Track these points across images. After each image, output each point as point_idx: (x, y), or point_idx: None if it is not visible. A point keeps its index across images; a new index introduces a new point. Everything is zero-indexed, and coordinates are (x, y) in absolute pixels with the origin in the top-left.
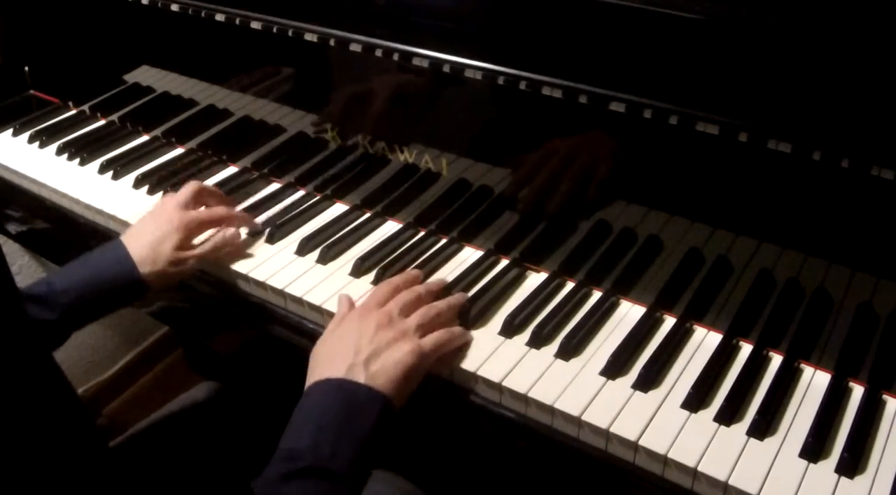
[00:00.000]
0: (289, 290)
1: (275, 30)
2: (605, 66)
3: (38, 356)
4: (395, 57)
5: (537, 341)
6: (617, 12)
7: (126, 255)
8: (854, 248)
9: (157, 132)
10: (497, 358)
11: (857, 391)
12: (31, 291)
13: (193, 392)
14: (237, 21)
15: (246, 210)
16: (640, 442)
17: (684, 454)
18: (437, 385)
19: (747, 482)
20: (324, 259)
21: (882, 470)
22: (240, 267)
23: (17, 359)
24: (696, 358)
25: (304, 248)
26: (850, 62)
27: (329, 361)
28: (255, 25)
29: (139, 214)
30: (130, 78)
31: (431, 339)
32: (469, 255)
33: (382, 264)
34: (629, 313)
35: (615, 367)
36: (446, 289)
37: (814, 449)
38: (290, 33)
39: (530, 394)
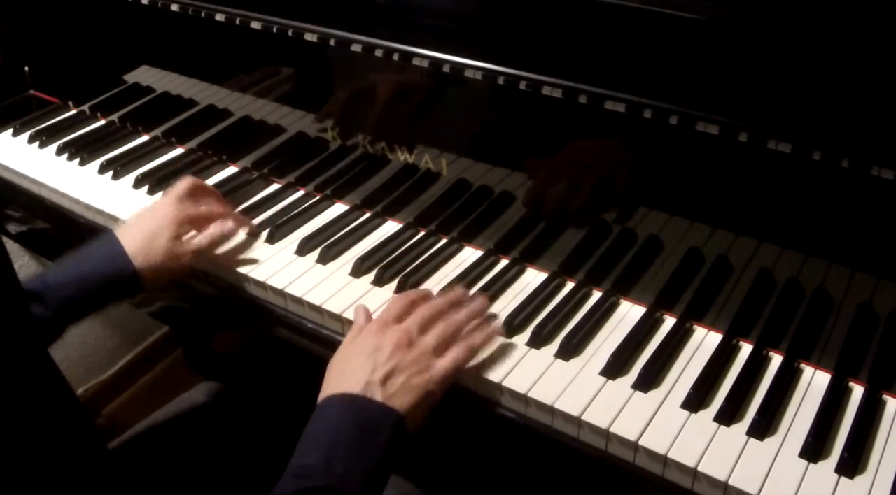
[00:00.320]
0: (289, 290)
1: (275, 30)
2: (606, 66)
3: (37, 355)
4: (395, 57)
5: (537, 341)
6: (617, 12)
7: (120, 250)
8: (854, 248)
9: (157, 132)
10: (497, 358)
11: (857, 391)
12: (26, 287)
13: (193, 392)
14: (237, 21)
15: (246, 210)
16: (640, 442)
17: (684, 454)
18: None
19: (747, 482)
20: (324, 259)
21: (882, 470)
22: (240, 267)
23: (18, 357)
24: (696, 358)
25: (304, 248)
26: (850, 62)
27: (345, 376)
28: (255, 25)
29: None
30: (130, 78)
31: (449, 360)
32: (469, 255)
33: (382, 264)
34: (629, 313)
35: (615, 367)
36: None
37: (814, 449)
38: (290, 33)
39: (530, 394)
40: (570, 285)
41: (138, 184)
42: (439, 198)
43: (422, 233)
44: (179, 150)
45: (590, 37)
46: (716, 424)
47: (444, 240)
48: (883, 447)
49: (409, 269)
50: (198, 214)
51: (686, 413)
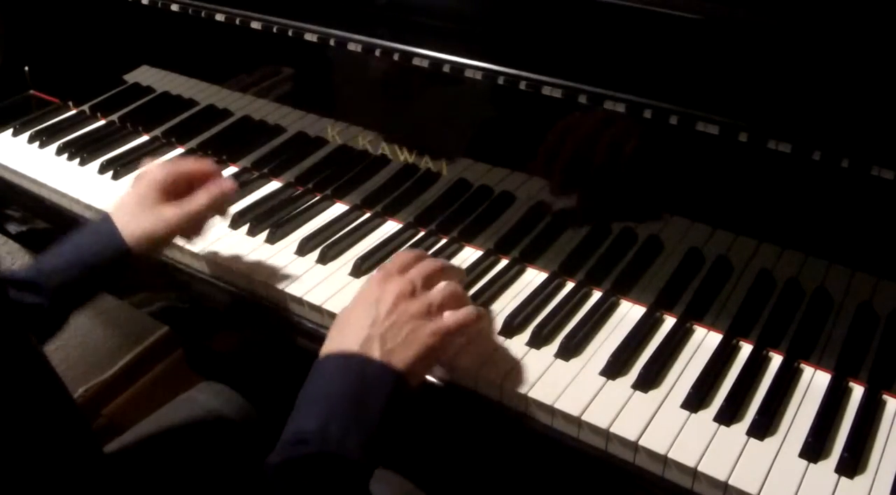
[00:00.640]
0: (289, 290)
1: (275, 30)
2: (605, 66)
3: (23, 345)
4: (396, 57)
5: (537, 341)
6: (617, 12)
7: (110, 226)
8: (854, 248)
9: (157, 132)
10: (497, 358)
11: (857, 391)
12: (20, 276)
13: (193, 392)
14: (237, 21)
15: (246, 209)
16: (640, 442)
17: (684, 454)
18: (437, 385)
19: (747, 482)
20: (324, 259)
21: (882, 470)
22: (239, 266)
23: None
24: (696, 358)
25: (304, 248)
26: (850, 62)
27: (345, 330)
28: (255, 25)
29: None
30: (130, 78)
31: (455, 318)
32: (469, 255)
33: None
34: (629, 313)
35: (615, 367)
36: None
37: (814, 449)
38: (290, 33)
39: (530, 394)
40: (570, 285)
41: None
42: (439, 198)
43: (422, 233)
44: (179, 150)
45: (590, 37)
46: (716, 424)
47: (444, 240)
48: (883, 447)
49: None
50: (185, 170)
51: (686, 413)
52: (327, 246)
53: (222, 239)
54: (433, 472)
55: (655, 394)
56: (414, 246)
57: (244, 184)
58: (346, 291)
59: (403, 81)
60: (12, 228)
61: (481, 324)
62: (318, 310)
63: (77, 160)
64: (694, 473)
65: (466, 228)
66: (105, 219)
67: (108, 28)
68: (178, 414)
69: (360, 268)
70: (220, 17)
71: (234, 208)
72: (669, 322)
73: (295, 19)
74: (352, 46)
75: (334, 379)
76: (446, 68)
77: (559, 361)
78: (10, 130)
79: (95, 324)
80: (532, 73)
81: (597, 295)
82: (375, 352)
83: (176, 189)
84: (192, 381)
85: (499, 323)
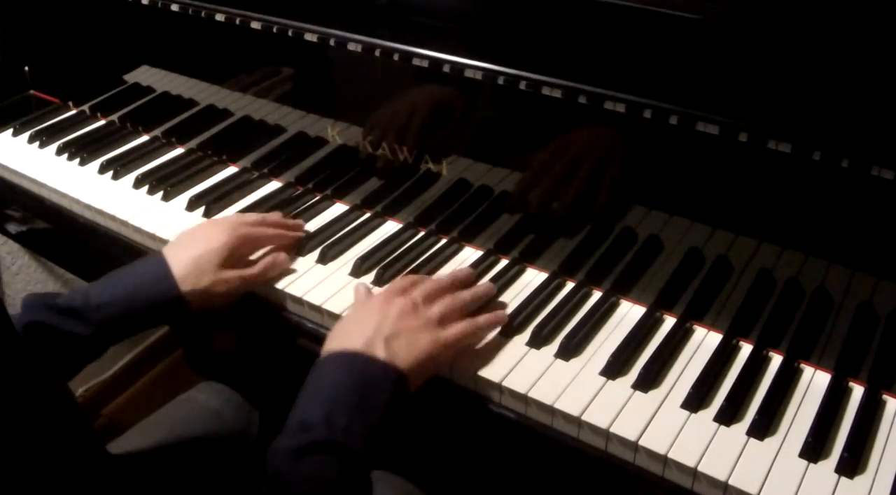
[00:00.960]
0: (289, 290)
1: (275, 30)
2: (605, 66)
3: (25, 358)
4: (396, 57)
5: (537, 341)
6: (617, 12)
7: (167, 272)
8: (854, 248)
9: (157, 132)
10: (497, 358)
11: (857, 391)
12: (67, 304)
13: (193, 392)
14: (237, 21)
15: (246, 210)
16: (640, 442)
17: (684, 454)
18: (437, 384)
19: (747, 482)
20: (324, 259)
21: (882, 470)
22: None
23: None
24: (696, 358)
25: (303, 248)
26: (850, 62)
27: (347, 336)
28: (255, 25)
29: (139, 214)
30: (130, 78)
31: (454, 331)
32: (469, 255)
33: (382, 264)
34: (629, 313)
35: (615, 367)
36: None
37: (814, 449)
38: (290, 33)
39: (530, 394)
40: (570, 285)
41: (138, 184)
42: (439, 198)
43: (422, 233)
44: (179, 150)
45: (590, 37)
46: (716, 424)
47: (444, 240)
48: (883, 447)
49: (409, 269)
50: (252, 235)
51: (686, 413)
52: (327, 246)
53: None
54: (434, 473)
55: (655, 394)
56: (414, 246)
57: (244, 184)
58: (346, 291)
59: (404, 82)
60: (12, 228)
61: (481, 336)
62: (317, 310)
63: (77, 160)
64: (694, 473)
65: (466, 228)
66: (161, 264)
67: (108, 28)
68: (178, 414)
69: (360, 268)
70: (220, 17)
71: (234, 208)
72: (669, 322)
73: (295, 19)
74: (352, 46)
75: (338, 373)
76: (446, 68)
77: (559, 361)
78: (10, 130)
79: None
80: (532, 73)
81: (597, 295)
82: (378, 353)
83: (241, 251)
84: (192, 381)
85: (505, 313)
